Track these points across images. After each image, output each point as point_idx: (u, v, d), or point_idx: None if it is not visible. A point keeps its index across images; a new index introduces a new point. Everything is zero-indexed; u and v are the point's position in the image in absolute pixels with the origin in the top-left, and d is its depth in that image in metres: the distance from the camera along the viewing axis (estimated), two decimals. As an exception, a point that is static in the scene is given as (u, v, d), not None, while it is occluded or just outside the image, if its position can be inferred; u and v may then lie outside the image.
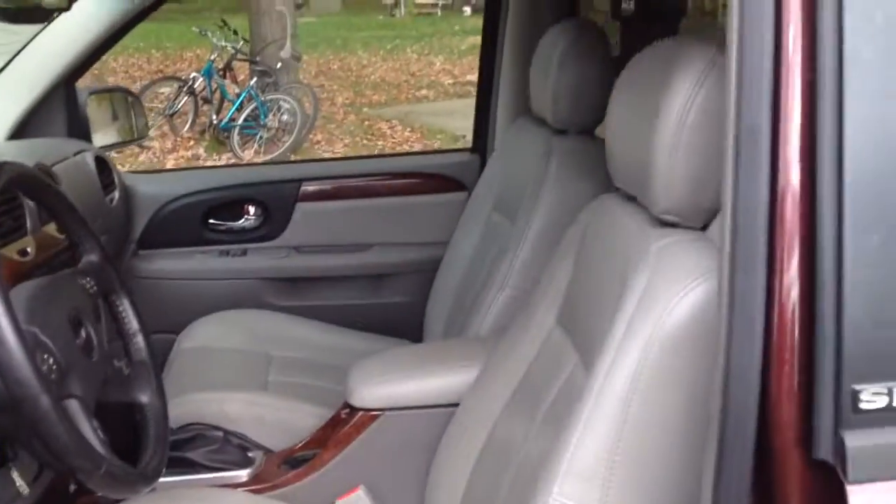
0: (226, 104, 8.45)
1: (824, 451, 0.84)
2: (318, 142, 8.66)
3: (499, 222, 2.14)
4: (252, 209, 2.57)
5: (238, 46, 8.69)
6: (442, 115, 9.36)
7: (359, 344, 2.29)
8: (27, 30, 2.14)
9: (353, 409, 1.71)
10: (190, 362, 2.13)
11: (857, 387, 0.83)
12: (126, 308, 1.45)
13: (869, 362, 0.84)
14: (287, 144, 8.09)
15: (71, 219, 1.42)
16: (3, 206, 1.59)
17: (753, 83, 0.84)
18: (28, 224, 1.65)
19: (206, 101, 8.49)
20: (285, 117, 8.23)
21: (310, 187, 2.56)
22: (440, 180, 2.59)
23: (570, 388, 1.30)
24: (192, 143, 8.33)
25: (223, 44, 8.61)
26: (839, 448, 0.83)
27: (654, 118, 1.13)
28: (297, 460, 1.74)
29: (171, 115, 8.32)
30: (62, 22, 2.16)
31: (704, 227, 1.17)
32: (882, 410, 0.84)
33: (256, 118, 8.16)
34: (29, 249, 1.62)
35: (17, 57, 2.21)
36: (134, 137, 2.72)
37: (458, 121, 8.50)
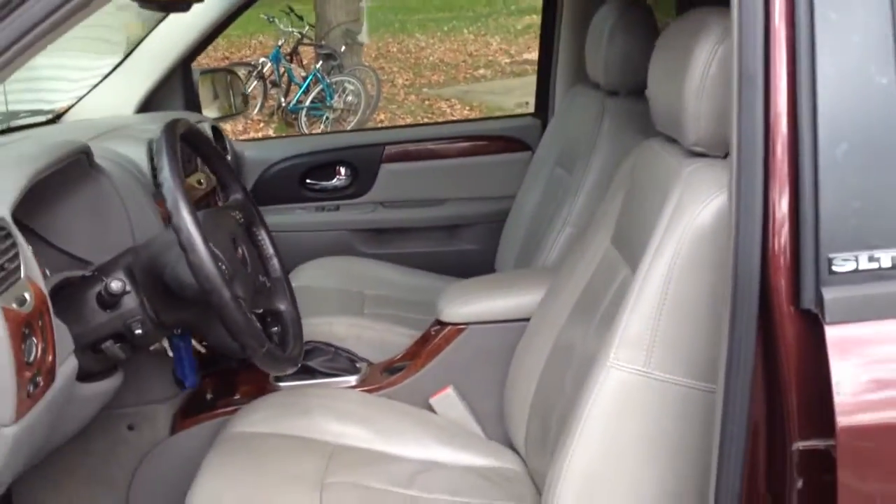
0: (293, 87, 8.86)
1: (808, 302, 1.14)
2: (381, 121, 9.02)
3: (561, 175, 2.46)
4: (343, 170, 2.94)
5: (304, 31, 9.09)
6: (500, 93, 9.66)
7: (437, 284, 2.62)
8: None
9: (443, 325, 2.05)
10: (298, 298, 2.49)
11: (832, 255, 1.14)
12: (264, 236, 1.81)
13: (839, 237, 1.14)
14: (352, 124, 8.47)
15: (221, 165, 1.78)
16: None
17: (750, 41, 1.15)
18: (177, 175, 2.02)
19: (275, 84, 8.90)
20: (350, 98, 8.62)
21: (392, 150, 2.92)
22: (507, 141, 2.93)
23: (621, 292, 1.62)
24: (261, 125, 8.74)
25: (289, 29, 9.01)
26: (819, 300, 1.14)
27: (685, 72, 1.44)
28: (395, 369, 2.09)
29: (242, 99, 8.70)
30: (181, 9, 2.53)
31: (725, 156, 1.48)
32: (850, 272, 1.14)
33: (323, 100, 8.56)
34: (178, 195, 1.98)
35: (143, 42, 2.59)
36: (233, 112, 3.09)
37: (516, 98, 8.79)
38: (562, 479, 1.45)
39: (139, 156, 1.96)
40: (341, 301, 2.44)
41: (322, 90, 8.56)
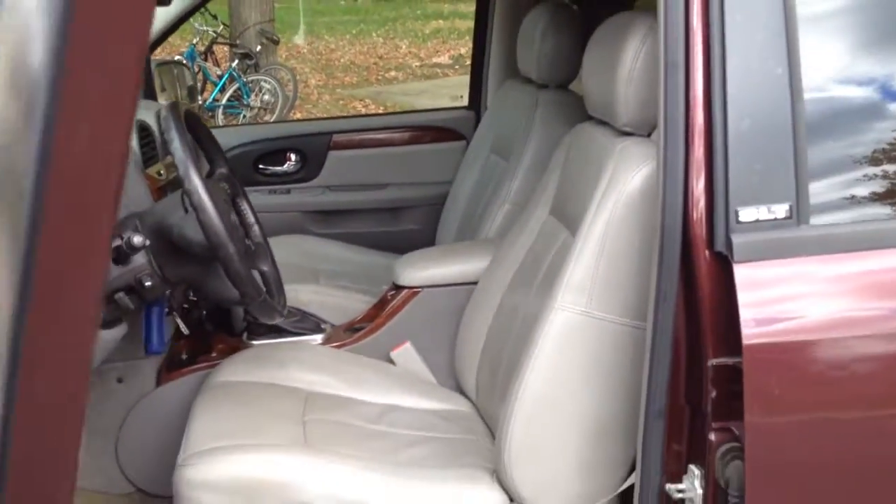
0: (208, 85, 8.96)
1: (720, 246, 1.42)
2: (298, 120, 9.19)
3: (496, 161, 2.75)
4: (293, 156, 3.18)
5: (218, 30, 9.20)
6: (412, 94, 9.93)
7: (382, 260, 2.89)
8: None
9: (399, 289, 2.31)
10: (257, 272, 2.72)
11: (738, 208, 1.43)
12: (246, 206, 2.04)
13: (744, 193, 1.43)
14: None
15: (211, 143, 2.00)
16: (144, 140, 2.17)
17: (673, 36, 1.44)
18: (159, 153, 2.23)
19: (190, 82, 8.97)
20: (267, 97, 8.77)
21: (339, 138, 3.18)
22: (443, 132, 3.22)
23: (562, 252, 1.90)
24: (177, 122, 8.77)
25: (204, 28, 9.11)
26: (728, 244, 1.42)
27: (616, 65, 1.73)
28: (356, 329, 2.34)
29: (157, 97, 8.75)
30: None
31: (649, 135, 1.78)
32: (753, 222, 1.43)
33: (239, 98, 8.68)
34: (161, 172, 2.20)
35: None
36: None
37: (427, 100, 9.05)
38: (515, 408, 1.72)
39: (129, 135, 2.16)
40: (298, 274, 2.67)
41: (238, 89, 8.68)
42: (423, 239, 3.05)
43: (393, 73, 11.66)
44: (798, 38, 1.44)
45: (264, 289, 1.96)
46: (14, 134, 0.78)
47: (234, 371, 2.08)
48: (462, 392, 2.20)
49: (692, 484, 1.47)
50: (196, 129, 1.98)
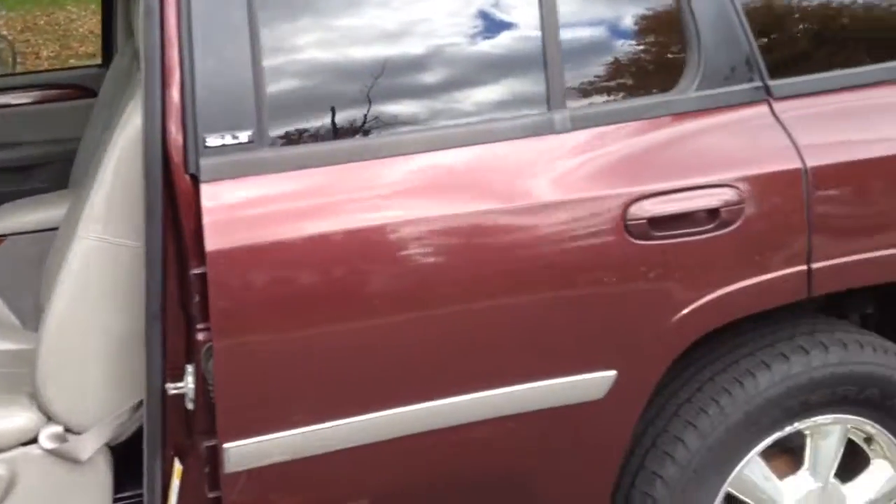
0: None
1: (193, 168, 1.59)
2: (20, 93, 8.81)
3: (112, 115, 2.85)
4: None
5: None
6: (148, 65, 9.70)
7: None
8: None
9: None
10: None
11: (205, 135, 1.60)
12: None
13: (212, 124, 1.59)
14: (-14, 95, 8.25)
15: None
16: None
17: (150, 37, 1.60)
18: None
19: None
20: (-21, 69, 8.39)
21: None
22: (76, 89, 3.34)
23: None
24: None
25: None
26: (198, 166, 1.60)
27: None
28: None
29: None
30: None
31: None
32: (219, 146, 1.59)
33: (-53, 70, 8.26)
34: None
35: None
36: None
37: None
38: (43, 333, 1.84)
39: None
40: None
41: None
42: (56, 197, 3.11)
43: (133, 44, 11.36)
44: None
45: None
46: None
47: None
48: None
49: (187, 381, 1.65)
50: None
